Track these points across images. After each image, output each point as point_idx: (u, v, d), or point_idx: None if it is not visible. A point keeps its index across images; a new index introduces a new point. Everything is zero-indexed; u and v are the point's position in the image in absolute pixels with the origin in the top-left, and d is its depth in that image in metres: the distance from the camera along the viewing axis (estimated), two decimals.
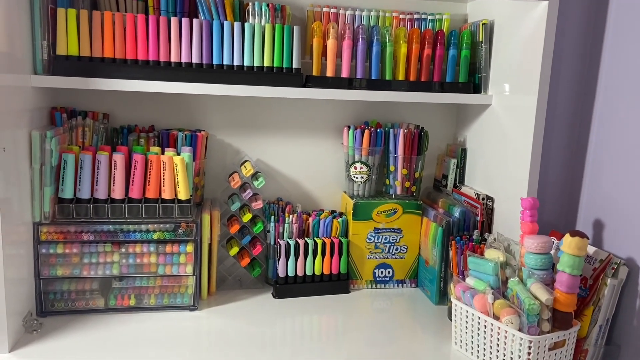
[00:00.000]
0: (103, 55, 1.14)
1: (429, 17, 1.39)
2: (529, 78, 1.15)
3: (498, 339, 1.00)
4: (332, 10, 1.35)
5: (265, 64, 1.21)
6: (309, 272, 1.31)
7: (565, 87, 1.32)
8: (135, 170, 1.15)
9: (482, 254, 1.13)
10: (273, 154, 1.43)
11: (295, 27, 1.22)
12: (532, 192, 1.16)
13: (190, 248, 1.18)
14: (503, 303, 0.99)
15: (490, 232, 1.30)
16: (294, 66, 1.23)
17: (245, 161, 1.36)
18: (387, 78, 1.31)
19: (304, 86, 1.26)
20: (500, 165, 1.28)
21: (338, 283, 1.34)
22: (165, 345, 1.06)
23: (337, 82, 1.28)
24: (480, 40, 1.33)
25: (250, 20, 1.24)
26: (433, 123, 1.50)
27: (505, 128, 1.26)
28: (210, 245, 1.26)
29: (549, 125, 1.31)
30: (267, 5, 1.24)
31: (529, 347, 0.95)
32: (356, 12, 1.36)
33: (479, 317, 1.03)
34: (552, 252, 1.05)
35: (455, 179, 1.44)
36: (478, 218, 1.30)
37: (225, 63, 1.19)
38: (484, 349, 1.03)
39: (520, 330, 0.95)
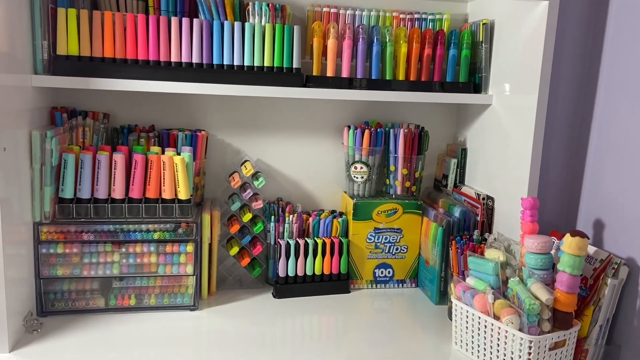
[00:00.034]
0: (103, 55, 1.14)
1: (429, 17, 1.39)
2: (529, 78, 1.15)
3: (498, 339, 1.00)
4: (332, 10, 1.35)
5: (266, 64, 1.21)
6: (309, 272, 1.31)
7: (566, 87, 1.32)
8: (136, 170, 1.15)
9: (482, 253, 1.13)
10: (273, 154, 1.43)
11: (295, 27, 1.22)
12: (533, 192, 1.16)
13: (190, 248, 1.18)
14: (503, 303, 0.99)
15: (490, 232, 1.30)
16: (294, 66, 1.23)
17: (246, 161, 1.36)
18: (388, 78, 1.31)
19: (304, 86, 1.25)
20: (500, 165, 1.28)
21: (338, 283, 1.34)
22: (166, 345, 1.06)
23: (337, 82, 1.28)
24: (481, 40, 1.33)
25: (251, 20, 1.24)
26: (433, 123, 1.50)
27: (505, 128, 1.26)
28: (210, 245, 1.26)
29: (550, 125, 1.31)
30: (268, 5, 1.24)
31: (530, 347, 0.95)
32: (356, 12, 1.36)
33: (479, 317, 1.03)
34: (553, 252, 1.05)
35: (455, 179, 1.44)
36: (478, 218, 1.30)
37: (225, 63, 1.19)
38: (484, 349, 1.03)
39: (520, 330, 0.95)
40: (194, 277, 1.20)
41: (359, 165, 1.37)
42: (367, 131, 1.35)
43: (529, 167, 1.15)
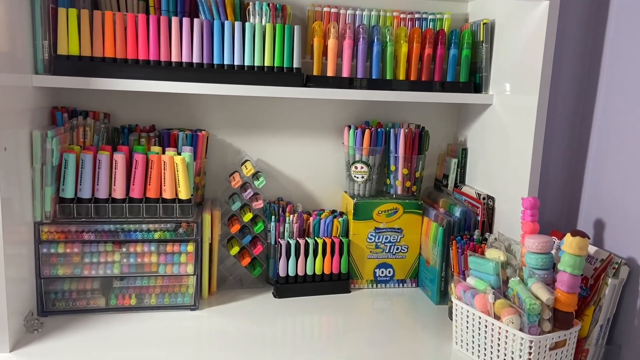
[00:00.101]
0: (104, 55, 1.14)
1: (430, 17, 1.39)
2: (529, 78, 1.15)
3: (499, 339, 1.00)
4: (332, 10, 1.35)
5: (266, 64, 1.21)
6: (309, 272, 1.31)
7: (566, 87, 1.32)
8: (136, 170, 1.15)
9: (482, 253, 1.13)
10: (274, 154, 1.43)
11: (295, 26, 1.22)
12: (533, 191, 1.16)
13: (191, 248, 1.18)
14: (504, 303, 0.99)
15: (491, 231, 1.30)
16: (294, 66, 1.23)
17: (246, 161, 1.36)
18: (388, 78, 1.31)
19: (305, 86, 1.26)
20: (501, 165, 1.28)
21: (339, 283, 1.34)
22: (166, 344, 1.06)
23: (337, 82, 1.28)
24: (481, 39, 1.33)
25: (251, 20, 1.24)
26: (434, 123, 1.50)
27: (506, 128, 1.26)
28: (211, 244, 1.26)
29: (550, 125, 1.31)
30: (268, 5, 1.24)
31: (530, 347, 0.95)
32: (357, 12, 1.36)
33: (480, 317, 1.03)
34: (553, 251, 1.05)
35: (456, 179, 1.44)
36: (479, 218, 1.30)
37: (226, 63, 1.19)
38: (485, 349, 1.03)
39: (521, 330, 0.95)
40: (195, 276, 1.20)
41: (359, 165, 1.37)
42: (367, 131, 1.35)
43: (530, 166, 1.15)
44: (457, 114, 1.52)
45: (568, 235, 0.98)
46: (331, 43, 1.28)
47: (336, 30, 1.29)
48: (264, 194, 1.37)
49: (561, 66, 1.31)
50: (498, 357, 1.01)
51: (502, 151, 1.27)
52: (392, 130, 1.38)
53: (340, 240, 1.33)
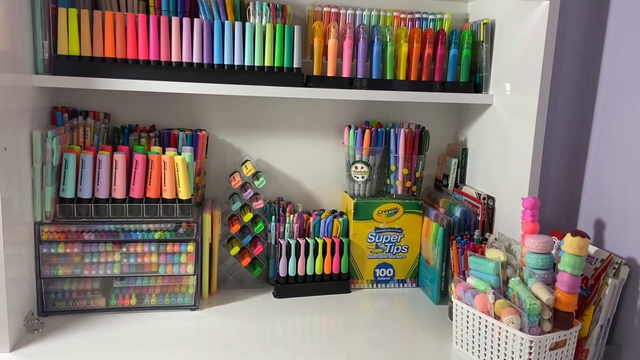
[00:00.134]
0: (104, 55, 1.14)
1: (430, 17, 1.39)
2: (530, 78, 1.15)
3: (499, 339, 0.99)
4: (332, 10, 1.35)
5: (266, 64, 1.21)
6: (309, 272, 1.31)
7: (567, 87, 1.32)
8: (136, 170, 1.15)
9: (483, 253, 1.13)
10: (274, 154, 1.43)
11: (296, 26, 1.22)
12: (533, 191, 1.16)
13: (191, 248, 1.18)
14: (504, 303, 0.99)
15: (491, 231, 1.30)
16: (294, 66, 1.23)
17: (246, 161, 1.36)
18: (388, 78, 1.31)
19: (305, 86, 1.25)
20: (501, 165, 1.28)
21: (339, 283, 1.34)
22: (167, 344, 1.06)
23: (338, 82, 1.28)
24: (482, 39, 1.33)
25: (251, 20, 1.24)
26: (434, 123, 1.50)
27: (506, 128, 1.26)
28: (211, 244, 1.26)
29: (550, 125, 1.31)
30: (268, 5, 1.24)
31: (530, 347, 0.95)
32: (357, 12, 1.36)
33: (480, 317, 1.03)
34: (553, 251, 1.05)
35: (456, 179, 1.44)
36: (479, 218, 1.30)
37: (226, 63, 1.19)
38: (485, 349, 1.03)
39: (521, 330, 0.95)
40: (195, 276, 1.20)
41: (359, 165, 1.37)
42: (367, 131, 1.35)
43: (530, 166, 1.15)
44: (458, 114, 1.52)
45: (568, 235, 0.98)
46: (331, 43, 1.28)
47: (336, 30, 1.29)
48: (264, 194, 1.37)
49: (561, 66, 1.30)
50: (498, 357, 1.01)
51: (502, 151, 1.27)
52: (392, 130, 1.38)
53: (341, 240, 1.33)
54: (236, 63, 1.20)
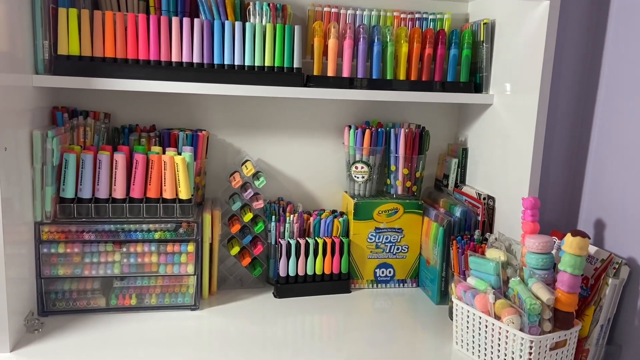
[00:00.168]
0: (104, 55, 1.14)
1: (430, 17, 1.39)
2: (530, 77, 1.15)
3: (499, 339, 0.99)
4: (333, 10, 1.35)
5: (266, 64, 1.21)
6: (310, 272, 1.31)
7: (567, 87, 1.32)
8: (137, 170, 1.15)
9: (483, 253, 1.13)
10: (274, 154, 1.43)
11: (296, 26, 1.22)
12: (534, 191, 1.16)
13: (191, 248, 1.18)
14: (504, 303, 0.99)
15: (491, 231, 1.30)
16: (295, 66, 1.23)
17: (246, 161, 1.36)
18: (388, 78, 1.31)
19: (305, 86, 1.25)
20: (501, 165, 1.28)
21: (339, 283, 1.34)
22: (167, 344, 1.06)
23: (338, 82, 1.27)
24: (482, 39, 1.33)
25: (251, 20, 1.24)
26: (434, 123, 1.50)
27: (506, 127, 1.25)
28: (211, 244, 1.26)
29: (550, 125, 1.31)
30: (268, 5, 1.24)
31: (530, 347, 0.95)
32: (357, 12, 1.36)
33: (480, 317, 1.03)
34: (554, 251, 1.05)
35: (456, 179, 1.44)
36: (479, 218, 1.30)
37: (226, 63, 1.19)
38: (485, 349, 1.03)
39: (521, 330, 0.95)
40: (195, 276, 1.20)
41: (359, 165, 1.37)
42: (367, 131, 1.35)
43: (530, 166, 1.15)
44: (458, 113, 1.52)
45: (568, 235, 0.98)
46: (331, 43, 1.28)
47: (336, 30, 1.29)
48: (264, 194, 1.37)
49: (561, 66, 1.30)
50: (498, 357, 1.00)
51: (502, 151, 1.27)
52: (392, 130, 1.38)
53: (341, 240, 1.33)
54: (236, 63, 1.20)
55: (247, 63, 1.20)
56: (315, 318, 1.22)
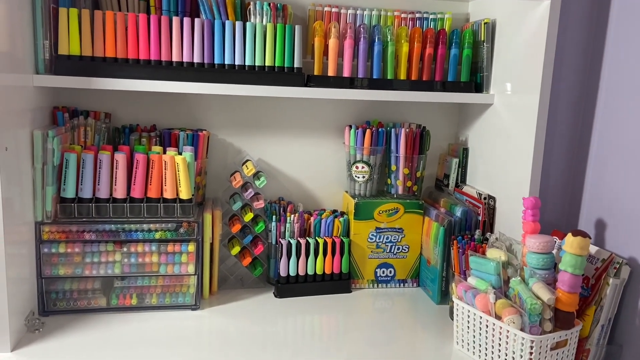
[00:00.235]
0: (105, 55, 1.14)
1: (431, 17, 1.39)
2: (531, 77, 1.15)
3: (500, 339, 0.99)
4: (333, 10, 1.35)
5: (267, 64, 1.21)
6: (310, 272, 1.31)
7: (568, 86, 1.32)
8: (137, 170, 1.15)
9: (483, 253, 1.13)
10: (274, 154, 1.43)
11: (296, 26, 1.22)
12: (534, 191, 1.16)
13: (192, 247, 1.18)
14: (505, 303, 0.99)
15: (492, 231, 1.30)
16: (295, 66, 1.23)
17: (247, 161, 1.36)
18: (389, 77, 1.31)
19: (306, 86, 1.25)
20: (502, 165, 1.27)
21: (339, 282, 1.34)
22: (167, 344, 1.06)
23: (338, 82, 1.27)
24: (482, 39, 1.33)
25: (252, 20, 1.24)
26: (435, 122, 1.50)
27: (507, 127, 1.25)
28: (211, 244, 1.26)
29: (551, 125, 1.31)
30: (269, 4, 1.24)
31: (531, 347, 0.95)
32: (358, 12, 1.36)
33: (481, 317, 1.03)
34: (554, 251, 1.05)
35: (457, 179, 1.44)
36: (480, 217, 1.29)
37: (226, 62, 1.19)
38: (486, 349, 1.03)
39: (522, 330, 0.95)
40: (196, 276, 1.20)
41: (360, 165, 1.37)
42: (368, 131, 1.35)
43: (531, 166, 1.15)
44: (458, 113, 1.52)
45: (569, 235, 0.98)
46: (332, 43, 1.28)
47: (337, 30, 1.29)
48: (264, 194, 1.37)
49: (562, 66, 1.30)
50: (499, 357, 1.00)
51: (503, 151, 1.27)
52: (393, 130, 1.38)
53: (341, 240, 1.33)
54: (237, 63, 1.20)
55: (247, 63, 1.20)
56: (316, 318, 1.22)
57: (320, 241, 1.31)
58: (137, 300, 1.19)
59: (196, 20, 1.17)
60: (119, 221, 1.15)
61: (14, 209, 1.00)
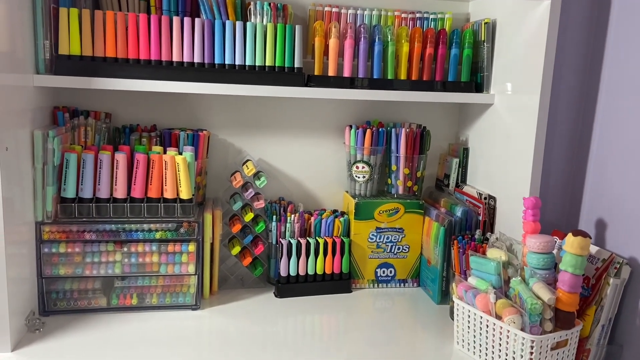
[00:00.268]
0: (105, 55, 1.14)
1: (431, 16, 1.39)
2: (531, 77, 1.15)
3: (500, 339, 0.99)
4: (333, 10, 1.35)
5: (267, 64, 1.21)
6: (310, 272, 1.31)
7: (568, 86, 1.32)
8: (137, 170, 1.15)
9: (484, 253, 1.13)
10: (275, 154, 1.43)
11: (297, 26, 1.22)
12: (535, 191, 1.16)
13: (192, 247, 1.18)
14: (505, 302, 0.99)
15: (492, 231, 1.30)
16: (295, 65, 1.23)
17: (247, 160, 1.36)
18: (389, 77, 1.31)
19: (306, 85, 1.25)
20: (502, 165, 1.27)
21: (340, 282, 1.34)
22: (168, 344, 1.06)
23: (339, 82, 1.27)
24: (483, 39, 1.33)
25: (252, 20, 1.24)
26: (435, 122, 1.50)
27: (507, 127, 1.25)
28: (212, 244, 1.26)
29: (552, 124, 1.31)
30: (269, 4, 1.24)
31: (531, 347, 0.95)
32: (358, 12, 1.36)
33: (481, 317, 1.03)
34: (555, 251, 1.05)
35: (457, 179, 1.44)
36: (480, 217, 1.29)
37: (227, 62, 1.19)
38: (486, 349, 1.03)
39: (522, 329, 0.95)
40: (196, 276, 1.20)
41: (360, 165, 1.37)
42: (368, 131, 1.35)
43: (531, 166, 1.15)
44: (459, 113, 1.52)
45: (569, 235, 0.98)
46: (332, 43, 1.28)
47: (337, 29, 1.29)
48: (265, 194, 1.37)
49: (562, 65, 1.30)
50: (499, 357, 1.00)
51: (503, 151, 1.27)
52: (393, 130, 1.38)
53: (342, 240, 1.33)
54: (237, 63, 1.20)
55: (248, 63, 1.20)
56: (316, 318, 1.22)
57: (321, 241, 1.31)
58: (137, 300, 1.19)
59: (196, 20, 1.17)
60: (120, 221, 1.15)
61: (14, 209, 1.00)
